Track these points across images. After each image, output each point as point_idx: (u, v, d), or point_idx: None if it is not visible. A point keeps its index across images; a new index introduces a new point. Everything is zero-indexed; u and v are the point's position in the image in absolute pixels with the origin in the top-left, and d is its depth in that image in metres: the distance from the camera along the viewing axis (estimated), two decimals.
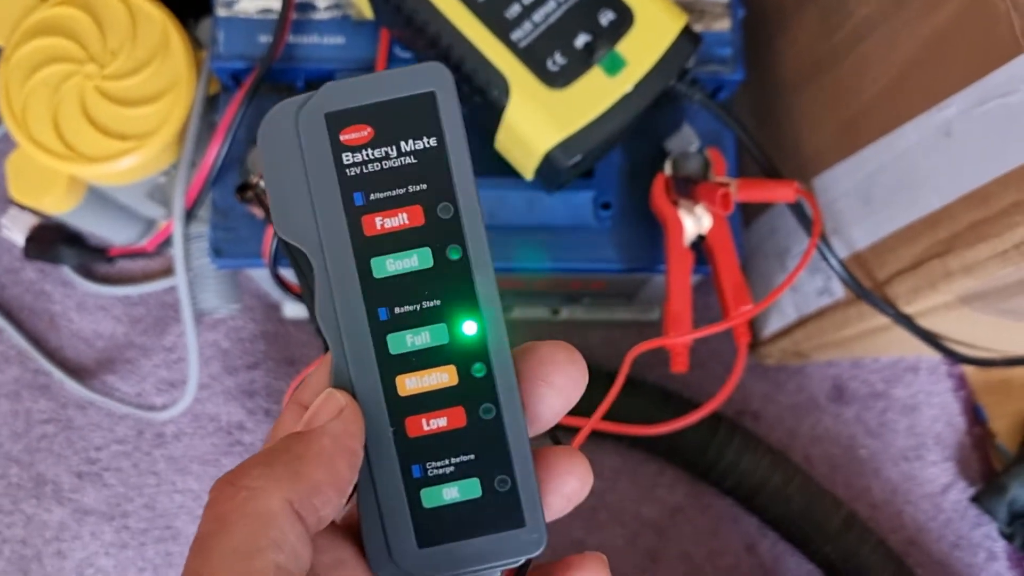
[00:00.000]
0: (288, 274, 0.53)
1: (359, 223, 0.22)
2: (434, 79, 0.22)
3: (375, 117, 0.22)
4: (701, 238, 0.51)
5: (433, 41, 0.46)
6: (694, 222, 0.50)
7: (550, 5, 0.45)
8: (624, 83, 0.45)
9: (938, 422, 0.72)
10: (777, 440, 0.71)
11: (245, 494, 0.20)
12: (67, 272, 0.70)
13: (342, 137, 0.22)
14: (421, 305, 0.22)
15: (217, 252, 0.52)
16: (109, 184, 0.57)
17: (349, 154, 0.22)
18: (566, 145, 0.45)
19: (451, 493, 0.23)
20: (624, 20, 0.45)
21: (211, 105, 0.56)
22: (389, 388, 0.22)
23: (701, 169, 0.51)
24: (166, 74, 0.54)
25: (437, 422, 0.22)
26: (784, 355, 0.69)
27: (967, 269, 0.44)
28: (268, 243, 0.50)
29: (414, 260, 0.22)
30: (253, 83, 0.51)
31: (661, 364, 0.71)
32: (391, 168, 0.22)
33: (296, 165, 0.22)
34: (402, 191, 0.22)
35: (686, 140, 0.53)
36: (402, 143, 0.22)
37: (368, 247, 0.22)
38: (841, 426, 0.72)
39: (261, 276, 0.62)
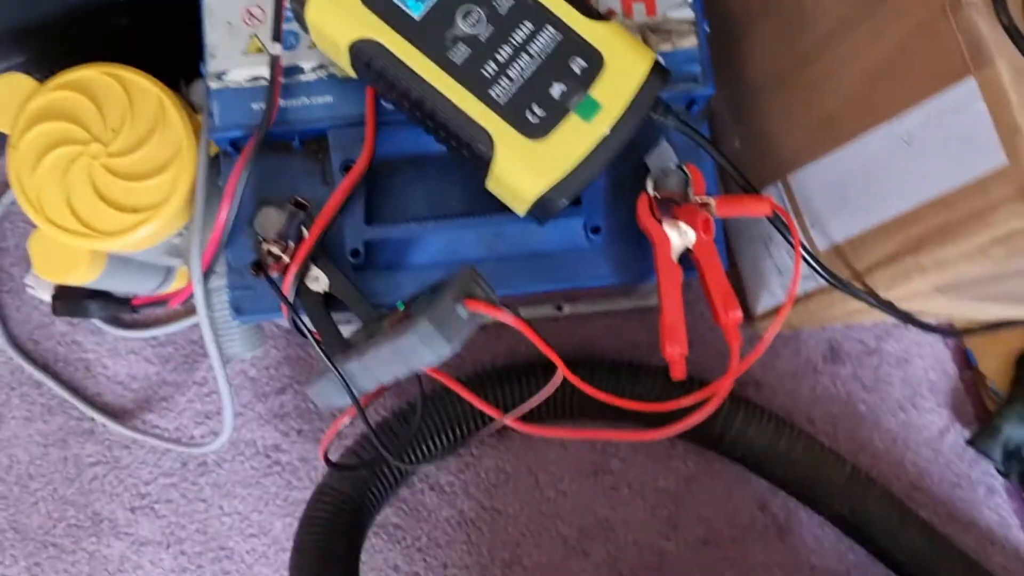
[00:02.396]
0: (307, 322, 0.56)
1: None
2: None
3: None
4: (688, 249, 0.54)
5: (417, 103, 0.48)
6: (680, 236, 0.53)
7: (524, 60, 0.47)
8: (601, 126, 0.48)
9: (931, 371, 0.76)
10: (780, 405, 0.76)
11: None
12: (96, 323, 0.74)
13: None
14: None
15: (237, 310, 0.56)
16: (127, 251, 0.60)
17: None
18: (552, 192, 0.48)
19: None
20: (595, 65, 0.48)
21: (214, 166, 0.58)
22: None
23: (681, 186, 0.54)
24: (167, 144, 0.57)
25: None
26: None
27: (938, 265, 0.48)
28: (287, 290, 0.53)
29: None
30: (252, 150, 0.53)
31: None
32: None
33: None
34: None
35: (665, 157, 0.55)
36: None
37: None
38: (839, 385, 0.76)
39: None
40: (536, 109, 0.47)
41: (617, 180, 0.57)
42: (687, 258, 0.55)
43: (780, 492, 0.75)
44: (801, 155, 0.57)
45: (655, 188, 0.54)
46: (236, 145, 0.56)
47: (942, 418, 0.76)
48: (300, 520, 0.67)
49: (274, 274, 0.54)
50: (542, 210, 0.49)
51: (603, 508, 0.74)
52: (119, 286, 0.65)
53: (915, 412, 0.76)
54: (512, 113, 0.47)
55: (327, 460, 0.55)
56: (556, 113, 0.47)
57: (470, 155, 0.49)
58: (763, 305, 0.69)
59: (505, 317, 0.45)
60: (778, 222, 0.52)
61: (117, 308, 0.71)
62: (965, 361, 0.77)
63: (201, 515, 0.74)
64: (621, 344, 0.75)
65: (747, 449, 0.71)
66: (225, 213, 0.55)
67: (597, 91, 0.48)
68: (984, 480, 0.76)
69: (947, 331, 0.57)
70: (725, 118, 0.67)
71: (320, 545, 0.65)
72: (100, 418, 0.73)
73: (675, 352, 0.52)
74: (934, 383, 0.76)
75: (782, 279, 0.65)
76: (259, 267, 0.51)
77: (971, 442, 0.75)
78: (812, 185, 0.56)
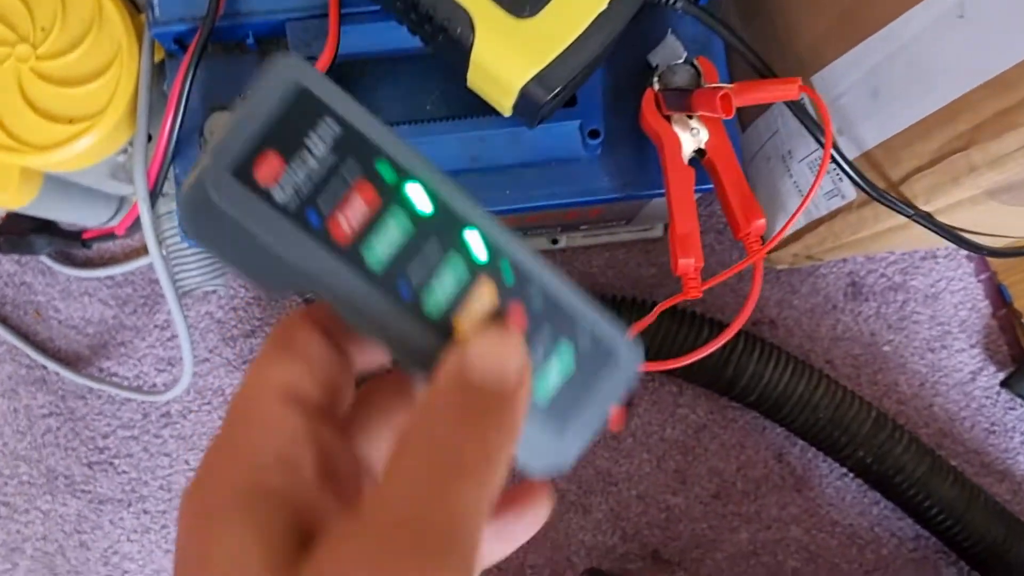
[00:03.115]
0: None
1: (329, 236, 0.21)
2: (292, 72, 0.21)
3: (271, 141, 0.21)
4: (699, 153, 0.48)
5: None
6: (691, 136, 0.47)
7: None
8: (598, 1, 0.41)
9: (962, 308, 0.70)
10: (797, 346, 0.69)
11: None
12: (45, 261, 0.67)
13: (258, 179, 0.21)
14: (428, 259, 0.22)
15: (188, 233, 0.49)
16: (66, 171, 0.53)
17: (276, 190, 0.21)
18: (542, 78, 0.41)
19: (554, 379, 0.23)
20: None
21: (160, 72, 0.52)
22: (452, 336, 0.22)
23: (692, 81, 0.47)
24: (105, 45, 0.50)
25: None
26: (796, 260, 0.66)
27: (994, 162, 0.41)
28: None
29: (395, 231, 0.22)
30: (197, 47, 0.47)
31: (673, 282, 0.69)
32: (318, 172, 0.21)
33: (240, 232, 0.21)
34: (341, 182, 0.21)
35: (672, 52, 0.48)
36: (310, 145, 0.21)
37: (351, 249, 0.22)
38: (861, 324, 0.70)
39: None
40: None
41: (617, 82, 0.50)
42: (698, 168, 0.48)
43: (798, 441, 0.68)
44: (825, 50, 0.50)
45: (662, 84, 0.47)
46: (182, 44, 0.49)
47: (974, 359, 0.69)
48: None
49: None
50: (531, 104, 0.42)
51: (604, 460, 0.68)
52: (63, 215, 0.58)
53: (944, 353, 0.70)
54: None
55: None
56: None
57: (446, 41, 0.42)
58: None
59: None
60: (803, 114, 0.45)
61: (66, 243, 0.64)
62: (999, 298, 0.70)
63: (165, 471, 0.67)
64: (622, 279, 0.69)
65: (763, 393, 0.64)
66: (170, 121, 0.48)
67: None
68: (1020, 426, 0.69)
69: (995, 252, 0.50)
70: (734, 21, 0.59)
71: None
72: (52, 365, 0.67)
73: (688, 265, 0.45)
74: (965, 321, 0.70)
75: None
76: None
77: (1006, 384, 0.68)
78: (839, 84, 0.49)
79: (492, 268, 0.23)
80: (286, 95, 0.21)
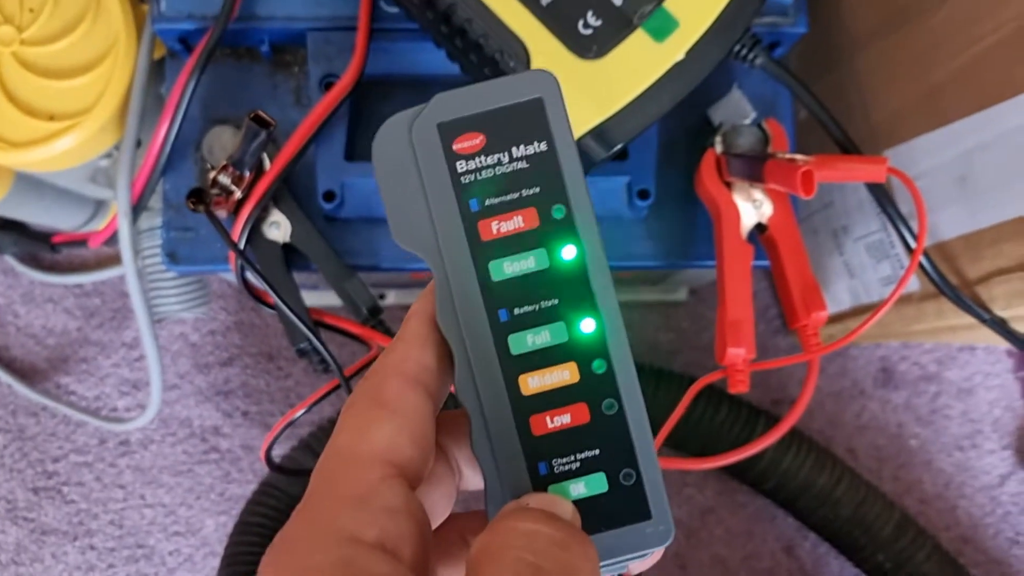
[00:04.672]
0: (259, 282, 0.44)
1: (476, 229, 0.23)
2: (541, 86, 0.23)
3: (486, 125, 0.23)
4: (759, 228, 0.42)
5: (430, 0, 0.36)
6: (753, 208, 0.42)
7: None
8: (675, 50, 0.35)
9: (996, 406, 0.65)
10: (818, 430, 0.64)
11: None
12: (8, 260, 0.61)
13: (455, 146, 0.23)
14: (540, 305, 0.23)
15: (172, 257, 0.43)
16: (40, 171, 0.47)
17: (463, 162, 0.23)
18: (602, 132, 0.35)
19: (578, 489, 0.23)
20: None
21: (157, 73, 0.46)
22: (512, 388, 0.23)
23: (758, 145, 0.42)
24: (100, 36, 0.44)
25: (561, 419, 0.23)
26: (829, 340, 0.61)
27: None
28: (237, 235, 0.41)
29: (531, 262, 0.23)
30: (206, 48, 0.41)
31: (691, 351, 0.64)
32: (504, 173, 0.23)
33: (411, 175, 0.23)
34: (516, 195, 0.23)
35: (737, 110, 0.43)
36: (513, 149, 0.23)
37: (485, 251, 0.23)
38: (889, 413, 0.65)
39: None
40: (591, 18, 0.35)
41: (670, 138, 0.45)
42: (754, 242, 0.43)
43: (809, 534, 0.63)
44: (905, 125, 0.45)
45: (725, 146, 0.42)
46: (187, 43, 0.43)
47: (1005, 462, 0.65)
48: (235, 525, 0.55)
49: (223, 213, 0.41)
50: (584, 160, 0.37)
51: None
52: (32, 216, 0.52)
53: (974, 453, 0.65)
54: (558, 20, 0.35)
55: (269, 461, 0.43)
56: (617, 26, 0.35)
57: (493, 75, 0.37)
58: None
59: None
60: (884, 198, 0.40)
61: (33, 245, 0.58)
62: None
63: (118, 504, 0.61)
64: (638, 343, 0.63)
65: (781, 481, 0.59)
66: (165, 129, 0.42)
67: (674, 3, 0.35)
68: None
69: None
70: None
71: (255, 560, 0.53)
72: (5, 376, 0.60)
73: (738, 356, 0.40)
74: (998, 420, 0.65)
75: (851, 281, 0.53)
76: (200, 198, 0.38)
77: None
78: (919, 165, 0.44)
79: (586, 356, 0.22)
80: (524, 99, 0.23)
